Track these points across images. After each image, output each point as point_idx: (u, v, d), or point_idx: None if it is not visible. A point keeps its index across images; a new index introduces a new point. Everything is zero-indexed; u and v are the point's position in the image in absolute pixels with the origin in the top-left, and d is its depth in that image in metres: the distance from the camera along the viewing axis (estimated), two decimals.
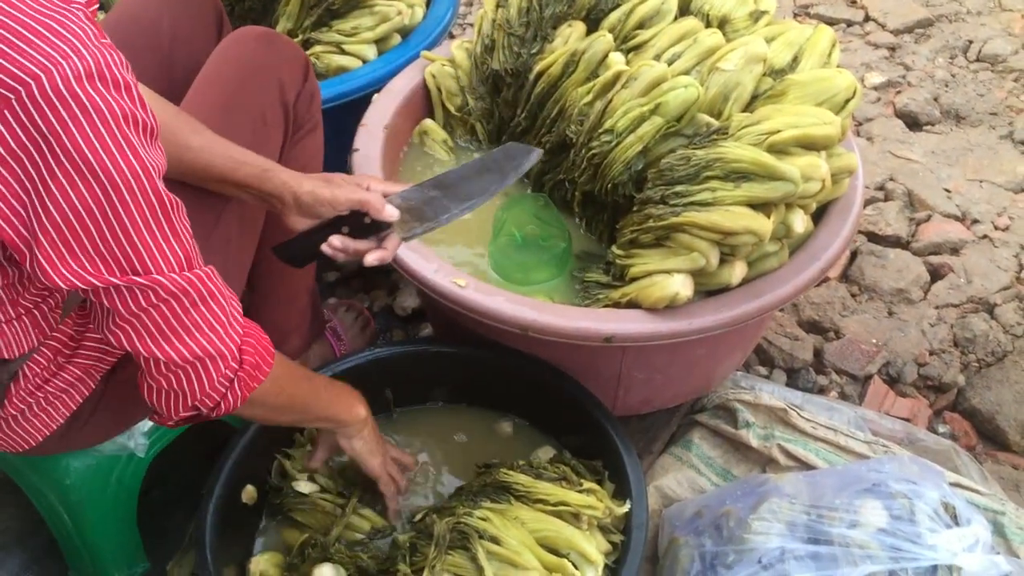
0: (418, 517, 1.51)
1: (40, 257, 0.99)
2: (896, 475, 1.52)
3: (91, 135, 0.94)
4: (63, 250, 0.99)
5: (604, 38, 1.72)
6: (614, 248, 1.62)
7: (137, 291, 1.05)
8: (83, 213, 0.98)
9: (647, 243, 1.55)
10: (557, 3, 1.81)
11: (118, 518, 1.57)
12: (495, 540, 1.37)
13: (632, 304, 1.54)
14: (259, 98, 1.50)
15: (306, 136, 1.61)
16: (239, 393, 1.19)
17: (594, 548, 1.39)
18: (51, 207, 0.96)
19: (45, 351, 1.24)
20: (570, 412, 1.61)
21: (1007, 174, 2.59)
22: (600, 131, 1.63)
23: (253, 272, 1.59)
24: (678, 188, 1.51)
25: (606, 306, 1.58)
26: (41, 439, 1.30)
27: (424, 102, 1.96)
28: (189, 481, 1.65)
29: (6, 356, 1.20)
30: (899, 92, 2.90)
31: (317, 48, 2.13)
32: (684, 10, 1.81)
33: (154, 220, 1.03)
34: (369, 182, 1.42)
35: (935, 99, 2.86)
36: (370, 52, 2.14)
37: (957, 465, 1.82)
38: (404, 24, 2.17)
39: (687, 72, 1.64)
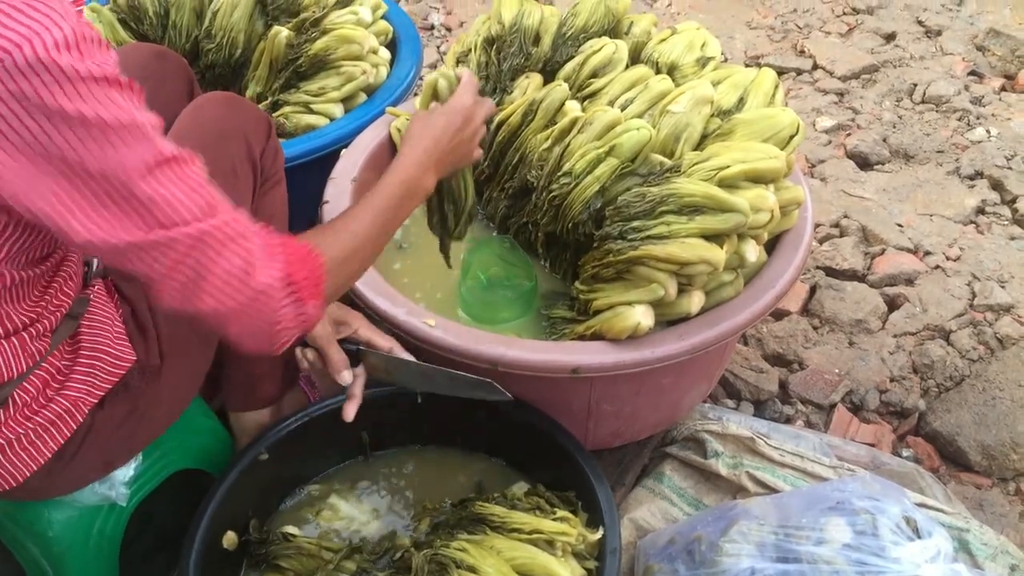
0: (397, 555, 1.53)
1: (62, 222, 1.02)
2: (859, 493, 1.55)
3: (79, 95, 0.98)
4: (84, 207, 1.02)
5: (560, 87, 1.79)
6: (577, 284, 1.67)
7: (162, 247, 1.06)
8: (88, 167, 1.00)
9: (608, 277, 1.60)
10: (514, 57, 1.88)
11: (100, 569, 1.57)
12: (472, 569, 1.39)
13: (597, 336, 1.59)
14: (229, 154, 1.56)
15: (272, 188, 1.68)
16: (311, 311, 1.19)
17: (568, 573, 1.41)
18: (57, 169, 1.00)
19: (35, 380, 1.28)
20: (541, 445, 1.64)
21: (955, 207, 2.68)
22: (559, 174, 1.69)
23: None
24: (635, 223, 1.56)
25: (572, 340, 1.63)
26: (28, 474, 1.32)
27: (390, 155, 2.00)
28: (169, 530, 1.66)
29: None
30: (849, 134, 3.00)
31: (286, 109, 2.19)
32: (635, 59, 1.90)
33: (159, 170, 1.05)
34: (358, 324, 1.60)
35: (884, 140, 2.95)
36: (337, 110, 2.20)
37: (922, 486, 1.86)
38: (369, 83, 2.24)
39: (639, 116, 1.71)
